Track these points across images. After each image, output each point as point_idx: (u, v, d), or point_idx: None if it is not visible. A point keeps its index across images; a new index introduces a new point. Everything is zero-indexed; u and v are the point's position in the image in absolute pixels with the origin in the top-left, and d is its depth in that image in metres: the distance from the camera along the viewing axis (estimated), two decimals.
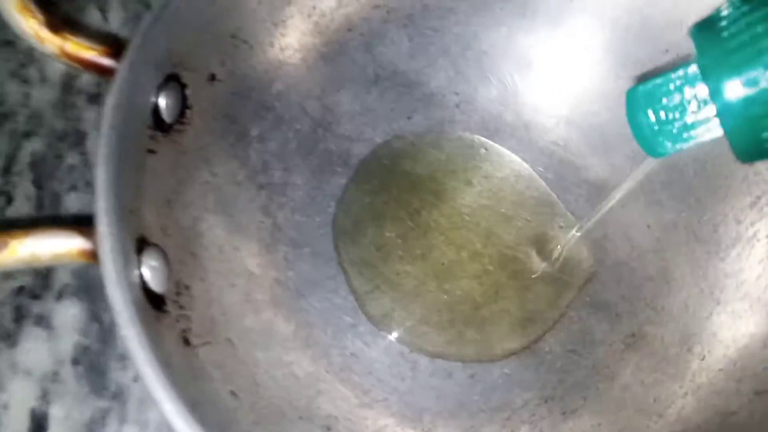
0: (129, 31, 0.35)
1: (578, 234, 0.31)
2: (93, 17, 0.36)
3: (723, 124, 0.18)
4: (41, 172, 0.32)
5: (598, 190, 0.34)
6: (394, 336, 0.30)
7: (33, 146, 0.32)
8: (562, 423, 0.28)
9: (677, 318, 0.30)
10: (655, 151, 0.20)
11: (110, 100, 0.23)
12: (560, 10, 0.33)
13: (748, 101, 0.17)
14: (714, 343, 0.28)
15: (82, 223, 0.22)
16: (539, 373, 0.30)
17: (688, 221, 0.31)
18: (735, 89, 0.17)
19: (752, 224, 0.29)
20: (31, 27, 0.23)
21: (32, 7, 0.23)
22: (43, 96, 0.33)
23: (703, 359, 0.28)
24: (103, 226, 0.21)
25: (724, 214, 0.30)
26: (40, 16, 0.23)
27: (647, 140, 0.20)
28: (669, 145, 0.20)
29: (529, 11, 0.33)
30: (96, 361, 0.29)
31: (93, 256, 0.21)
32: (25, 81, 0.34)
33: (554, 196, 0.34)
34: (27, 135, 0.32)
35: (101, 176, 0.21)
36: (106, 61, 0.24)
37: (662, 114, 0.19)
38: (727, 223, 0.30)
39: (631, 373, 0.29)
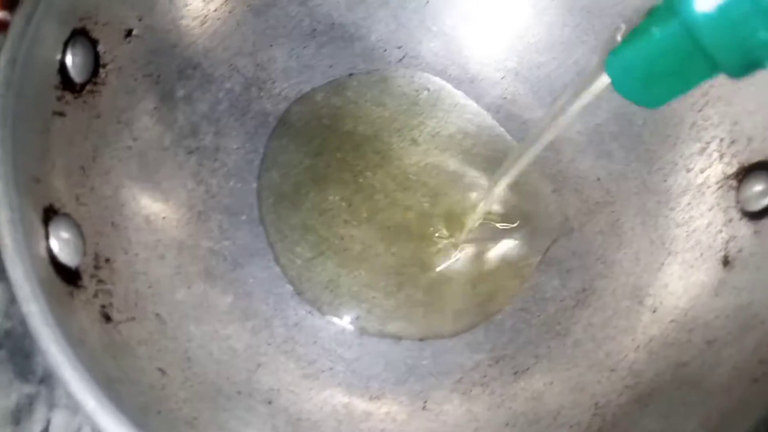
0: None
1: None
2: None
3: (705, 40, 0.16)
4: None
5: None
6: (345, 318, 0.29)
7: None
8: (513, 383, 0.27)
9: (628, 271, 0.29)
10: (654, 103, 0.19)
11: (4, 56, 0.20)
12: None
13: (721, 9, 0.16)
14: (665, 294, 0.28)
15: None
16: (489, 333, 0.29)
17: (638, 172, 0.30)
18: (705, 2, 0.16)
19: (702, 171, 0.28)
20: None
21: None
22: None
23: (654, 311, 0.27)
24: (1, 194, 0.19)
25: (674, 163, 0.29)
26: None
27: (643, 99, 0.19)
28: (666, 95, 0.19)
29: None
30: (20, 345, 0.27)
31: None
32: None
33: (502, 152, 0.33)
34: None
35: None
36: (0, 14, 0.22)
37: (651, 70, 0.18)
38: (677, 172, 0.29)
39: (582, 329, 0.28)
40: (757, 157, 0.27)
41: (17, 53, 0.20)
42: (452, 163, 0.33)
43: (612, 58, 0.19)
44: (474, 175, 0.33)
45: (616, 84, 0.20)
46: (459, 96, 0.34)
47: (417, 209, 0.32)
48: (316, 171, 0.32)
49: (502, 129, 0.34)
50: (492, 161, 0.33)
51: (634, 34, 0.18)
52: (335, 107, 0.33)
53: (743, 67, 0.17)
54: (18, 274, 0.18)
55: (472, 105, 0.34)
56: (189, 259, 0.27)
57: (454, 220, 0.32)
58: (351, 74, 0.33)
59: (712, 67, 0.17)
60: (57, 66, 0.23)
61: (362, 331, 0.29)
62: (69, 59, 0.23)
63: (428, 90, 0.34)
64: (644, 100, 0.20)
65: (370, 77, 0.33)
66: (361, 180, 0.32)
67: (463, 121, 0.34)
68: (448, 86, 0.34)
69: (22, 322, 0.27)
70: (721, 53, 0.17)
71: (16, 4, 0.22)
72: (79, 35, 0.24)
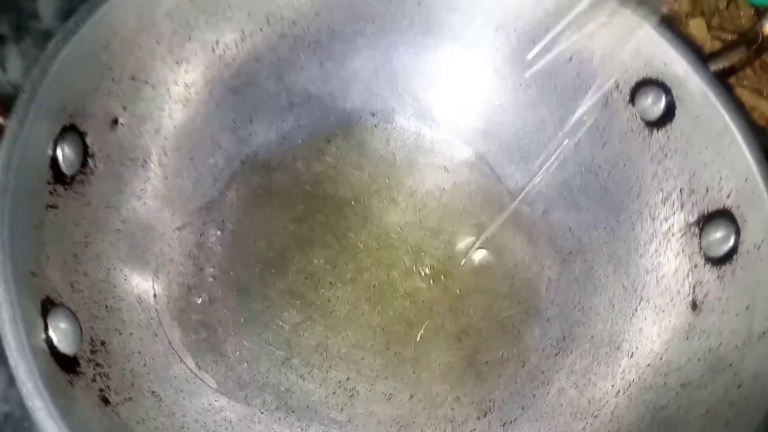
0: None
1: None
2: None
3: None
4: None
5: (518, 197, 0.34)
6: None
7: None
8: None
9: (604, 317, 0.30)
10: None
11: (0, 160, 0.22)
12: (464, 27, 0.33)
13: None
14: (640, 338, 0.29)
15: None
16: (476, 386, 0.30)
17: (606, 221, 0.32)
18: None
19: (666, 219, 0.30)
20: None
21: None
22: None
23: (631, 356, 0.29)
24: (1, 294, 0.20)
25: (639, 212, 0.31)
26: None
27: None
28: None
29: (435, 29, 0.33)
30: (19, 428, 0.28)
31: None
32: None
33: (478, 207, 0.34)
34: None
35: None
36: None
37: None
38: (643, 220, 0.31)
39: (565, 376, 0.29)
40: (715, 206, 0.28)
41: (12, 157, 0.22)
42: (431, 220, 0.35)
43: None
44: (452, 229, 0.34)
45: None
46: (433, 155, 0.36)
47: (400, 267, 0.33)
48: (300, 235, 0.33)
49: (476, 184, 0.35)
50: (468, 215, 0.34)
51: None
52: (316, 173, 0.34)
53: None
54: (21, 371, 0.19)
55: (447, 163, 0.36)
56: (181, 333, 0.28)
57: (436, 275, 0.33)
58: (329, 140, 0.35)
59: None
60: (49, 162, 0.24)
61: (353, 393, 0.29)
62: (60, 154, 0.25)
63: (403, 151, 0.36)
64: None
65: (348, 143, 0.35)
66: (344, 241, 0.33)
67: (439, 180, 0.35)
68: (423, 147, 0.36)
69: (21, 405, 0.28)
70: None
71: (9, 109, 0.23)
72: (69, 130, 0.25)
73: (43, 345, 0.21)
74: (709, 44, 0.41)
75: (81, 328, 0.23)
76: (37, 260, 0.22)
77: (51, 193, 0.24)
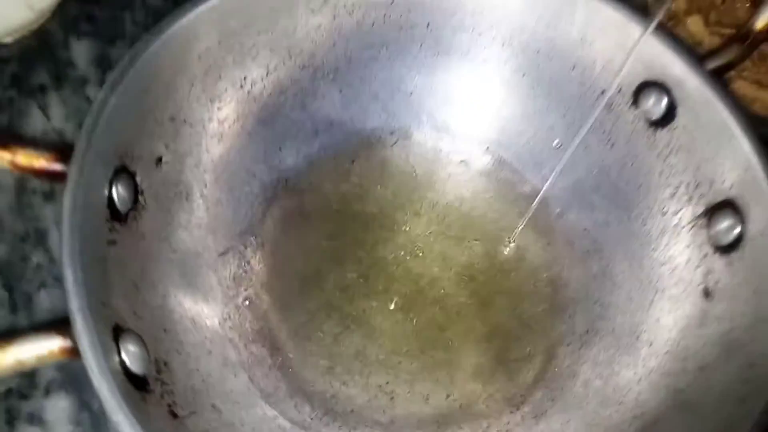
0: (72, 125, 0.37)
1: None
2: (35, 116, 0.37)
3: None
4: (9, 274, 0.33)
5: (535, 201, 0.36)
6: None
7: None
8: (534, 426, 0.30)
9: (623, 310, 0.32)
10: None
11: (66, 204, 0.24)
12: (471, 45, 0.35)
13: None
14: (658, 328, 0.31)
15: (60, 323, 0.23)
16: (508, 382, 0.32)
17: (619, 219, 0.34)
18: None
19: (675, 213, 0.32)
20: None
21: None
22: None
23: (650, 345, 0.30)
24: (79, 324, 0.22)
25: (650, 208, 0.33)
26: None
27: None
28: None
29: (444, 49, 0.36)
30: None
31: (75, 352, 0.22)
32: None
33: (497, 213, 0.37)
34: None
35: (69, 278, 0.23)
36: (57, 166, 0.26)
37: None
38: (654, 216, 0.33)
39: (590, 368, 0.31)
40: (720, 197, 0.30)
41: (76, 201, 0.24)
42: (454, 229, 0.37)
43: None
44: (474, 236, 0.37)
45: None
46: (451, 167, 0.38)
47: (428, 275, 0.35)
48: (333, 252, 0.35)
49: (494, 192, 0.37)
50: (488, 221, 0.37)
51: None
52: (343, 192, 0.37)
53: None
54: (104, 390, 0.21)
55: (464, 174, 0.38)
56: (232, 350, 0.30)
57: (462, 281, 0.35)
58: (353, 161, 0.37)
59: None
60: (106, 202, 0.27)
61: (393, 395, 0.32)
62: (114, 194, 0.27)
63: (423, 166, 0.38)
64: None
65: (370, 162, 0.37)
66: (374, 255, 0.36)
67: (459, 189, 0.38)
68: (441, 160, 0.38)
69: (91, 426, 0.30)
70: None
71: (69, 157, 0.26)
72: (121, 172, 0.28)
73: (118, 367, 0.23)
74: (708, 40, 0.43)
75: (147, 351, 0.26)
76: (105, 291, 0.25)
77: (110, 230, 0.27)
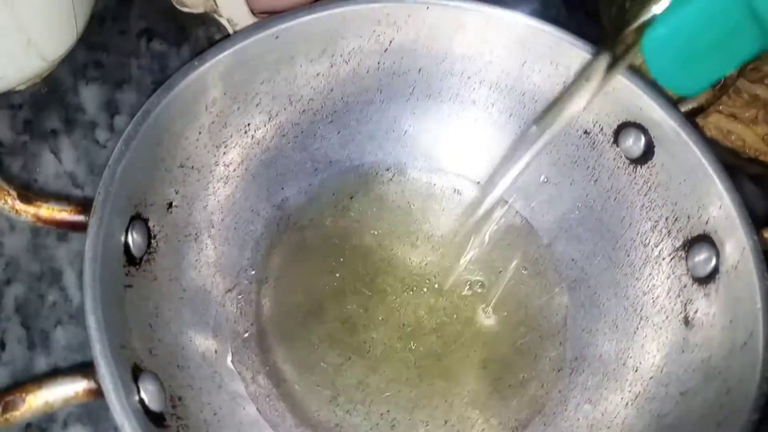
0: (83, 168, 0.39)
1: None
2: (47, 159, 0.39)
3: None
4: (27, 313, 0.35)
5: (526, 233, 0.38)
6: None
7: (15, 291, 0.35)
8: None
9: (610, 337, 0.34)
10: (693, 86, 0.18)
11: (87, 254, 0.26)
12: (460, 87, 0.37)
13: None
14: (643, 354, 0.33)
15: (83, 366, 0.25)
16: (503, 408, 0.34)
17: (604, 250, 0.36)
18: None
19: (656, 245, 0.34)
20: (7, 204, 0.26)
21: (4, 185, 0.26)
22: (15, 243, 0.36)
23: (636, 370, 0.32)
24: (103, 368, 0.24)
25: (632, 240, 0.35)
26: (13, 192, 0.26)
27: (681, 81, 0.18)
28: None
29: (434, 92, 0.38)
30: None
31: (99, 393, 0.24)
32: None
33: (489, 244, 0.39)
34: (8, 282, 0.35)
35: (92, 324, 0.25)
36: (77, 218, 0.27)
37: (694, 44, 0.17)
38: (636, 247, 0.35)
39: (580, 393, 0.33)
40: (697, 231, 0.32)
41: (96, 250, 0.26)
42: (448, 259, 0.39)
43: (650, 33, 0.17)
44: (468, 266, 0.38)
45: (651, 64, 0.18)
46: (444, 201, 0.40)
47: (425, 305, 0.37)
48: (334, 285, 0.37)
49: (485, 224, 0.39)
50: (481, 251, 0.38)
51: (676, 3, 0.17)
52: (342, 227, 0.39)
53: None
54: (127, 428, 0.23)
55: (457, 207, 0.40)
56: (240, 383, 0.32)
57: (458, 310, 0.37)
58: (351, 197, 0.39)
59: (764, 36, 0.16)
60: (122, 249, 0.29)
61: (394, 423, 0.33)
62: (130, 240, 0.29)
63: (418, 200, 0.40)
64: (682, 83, 0.18)
65: (368, 197, 0.39)
66: (373, 287, 0.37)
67: (452, 222, 0.40)
68: (434, 194, 0.40)
69: None
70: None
71: (88, 209, 0.27)
72: (135, 219, 0.30)
73: (138, 405, 0.25)
74: None
75: (164, 388, 0.27)
76: (124, 334, 0.27)
77: (126, 274, 0.28)
